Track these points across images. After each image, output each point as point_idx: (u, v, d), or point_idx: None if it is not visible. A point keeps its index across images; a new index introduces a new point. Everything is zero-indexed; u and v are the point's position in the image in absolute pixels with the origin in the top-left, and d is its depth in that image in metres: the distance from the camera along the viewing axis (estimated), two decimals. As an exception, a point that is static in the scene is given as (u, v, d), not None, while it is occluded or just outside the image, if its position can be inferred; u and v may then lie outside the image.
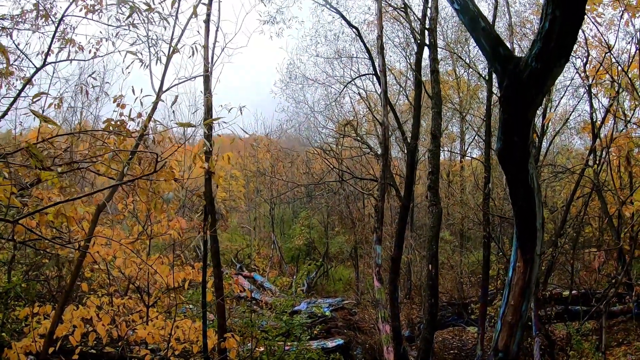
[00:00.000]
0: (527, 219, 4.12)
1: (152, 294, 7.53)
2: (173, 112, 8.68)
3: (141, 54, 7.00)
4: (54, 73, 9.14)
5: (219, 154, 6.47)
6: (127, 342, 7.53)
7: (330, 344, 15.09)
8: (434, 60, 11.77)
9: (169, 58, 6.15)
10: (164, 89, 6.08)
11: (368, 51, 15.30)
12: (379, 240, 12.66)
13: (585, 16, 13.64)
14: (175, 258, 8.11)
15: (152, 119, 5.53)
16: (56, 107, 8.80)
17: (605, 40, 13.69)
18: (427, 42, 11.91)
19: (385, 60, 22.03)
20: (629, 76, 13.97)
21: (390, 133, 23.95)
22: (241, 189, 40.86)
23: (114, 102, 7.05)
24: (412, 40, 15.52)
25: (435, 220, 11.63)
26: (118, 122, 6.60)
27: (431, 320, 11.63)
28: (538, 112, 18.71)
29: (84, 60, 7.03)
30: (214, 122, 6.04)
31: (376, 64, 13.69)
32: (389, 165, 20.28)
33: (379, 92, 17.28)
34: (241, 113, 5.78)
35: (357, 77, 20.00)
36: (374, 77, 16.12)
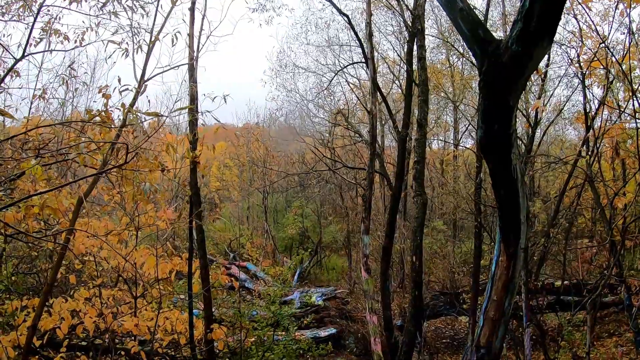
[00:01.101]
0: (510, 211, 3.96)
1: (139, 285, 7.43)
2: (148, 101, 8.53)
3: (127, 44, 6.89)
4: (42, 64, 9.01)
5: (203, 144, 6.39)
6: (115, 333, 7.47)
7: (323, 333, 15.11)
8: (420, 47, 11.60)
9: (150, 47, 6.01)
10: (147, 78, 5.95)
11: (358, 38, 15.14)
12: (367, 231, 12.56)
13: (580, 6, 13.60)
14: (163, 248, 8.03)
15: (135, 109, 5.38)
16: (40, 99, 8.69)
17: (599, 32, 13.64)
18: (420, 43, 11.76)
19: (379, 49, 22.03)
20: (623, 67, 13.94)
21: (383, 123, 23.96)
22: (235, 179, 40.76)
23: (99, 92, 6.93)
24: (405, 28, 15.37)
25: (420, 211, 11.45)
26: (102, 112, 6.49)
27: (415, 313, 11.47)
28: (532, 100, 18.79)
29: (65, 51, 6.90)
30: (199, 112, 5.94)
31: (366, 51, 13.54)
32: (377, 154, 20.24)
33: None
34: (225, 102, 5.68)
35: (348, 65, 19.86)
36: (365, 65, 16.01)
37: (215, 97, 5.66)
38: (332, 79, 19.23)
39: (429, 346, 15.11)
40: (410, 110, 12.88)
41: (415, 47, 12.11)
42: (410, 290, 11.90)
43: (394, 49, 21.22)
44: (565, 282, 14.43)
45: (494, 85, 3.29)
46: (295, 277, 23.66)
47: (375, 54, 21.51)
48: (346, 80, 22.15)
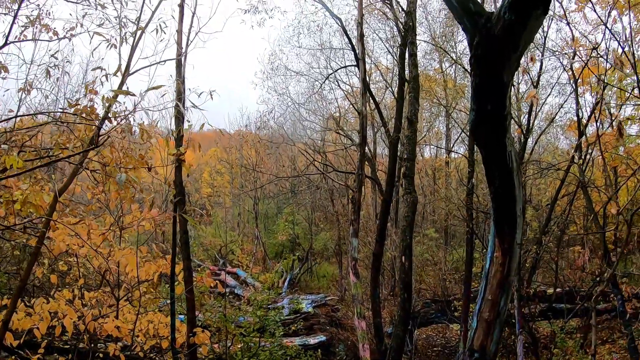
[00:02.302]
0: (505, 203, 3.70)
1: (121, 287, 7.22)
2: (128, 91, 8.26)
3: (116, 39, 6.71)
4: (33, 57, 8.80)
5: (192, 145, 6.20)
6: (95, 336, 7.24)
7: (312, 340, 14.87)
8: (411, 43, 11.40)
9: (135, 38, 5.83)
10: (132, 71, 5.76)
11: (350, 41, 15.04)
12: (356, 233, 12.26)
13: (573, 14, 13.59)
14: (149, 249, 7.83)
15: (112, 91, 5.17)
16: (26, 92, 8.47)
17: (590, 39, 13.70)
18: (410, 40, 11.57)
19: (372, 56, 21.99)
20: (616, 76, 13.98)
21: (375, 130, 23.88)
22: (226, 185, 40.58)
23: (85, 88, 6.74)
24: (397, 32, 15.30)
25: (410, 210, 11.09)
26: (87, 107, 6.30)
27: (404, 317, 11.04)
28: (524, 109, 18.79)
29: (49, 41, 6.70)
30: (185, 107, 5.76)
31: (357, 52, 13.38)
32: (368, 159, 20.12)
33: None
34: (212, 98, 5.51)
35: (340, 68, 19.74)
36: (357, 66, 15.89)
37: (201, 93, 5.50)
38: (324, 81, 19.13)
39: (420, 354, 14.93)
40: (402, 113, 12.75)
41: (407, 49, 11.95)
42: (399, 293, 11.46)
43: (388, 51, 21.09)
44: (558, 289, 14.32)
45: (486, 60, 3.03)
46: (285, 284, 23.46)
47: (368, 60, 21.54)
48: (339, 86, 22.05)
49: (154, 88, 4.65)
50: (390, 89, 22.47)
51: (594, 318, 9.32)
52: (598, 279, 13.51)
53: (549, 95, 19.63)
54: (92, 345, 7.50)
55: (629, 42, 11.21)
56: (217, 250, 29.37)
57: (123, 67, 5.65)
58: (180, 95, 6.43)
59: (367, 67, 21.72)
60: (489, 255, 4.06)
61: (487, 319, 3.89)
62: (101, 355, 6.99)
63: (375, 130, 23.79)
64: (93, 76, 5.59)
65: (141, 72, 5.60)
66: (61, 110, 5.48)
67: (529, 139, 17.78)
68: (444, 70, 22.95)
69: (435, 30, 20.08)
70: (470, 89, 3.25)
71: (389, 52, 18.89)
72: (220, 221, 35.62)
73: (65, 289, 8.30)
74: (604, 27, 12.12)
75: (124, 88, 5.31)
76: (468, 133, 14.55)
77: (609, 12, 12.52)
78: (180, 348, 7.05)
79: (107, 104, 4.89)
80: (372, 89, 18.25)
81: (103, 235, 7.94)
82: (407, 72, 12.16)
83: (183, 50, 6.75)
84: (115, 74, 5.93)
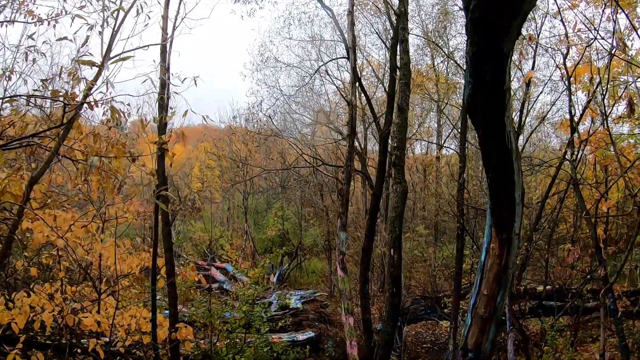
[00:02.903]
0: (503, 188, 3.39)
1: (103, 281, 7.00)
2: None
3: (101, 27, 6.47)
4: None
5: (173, 133, 6.00)
6: (74, 331, 7.03)
7: (301, 336, 14.73)
8: (403, 29, 11.13)
9: (118, 22, 5.61)
10: (113, 55, 5.53)
11: (340, 31, 14.83)
12: (343, 226, 12.00)
13: (567, 12, 13.49)
14: (132, 242, 7.61)
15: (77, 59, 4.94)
16: (7, 79, 8.21)
17: (583, 37, 13.62)
18: (402, 25, 11.32)
19: (364, 51, 21.80)
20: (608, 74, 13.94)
21: (366, 126, 23.69)
22: (216, 180, 40.29)
23: (68, 74, 6.50)
24: (389, 26, 15.08)
25: (400, 200, 10.78)
26: (67, 93, 6.07)
27: (393, 313, 10.73)
28: (516, 105, 18.76)
29: (27, 22, 6.44)
30: (170, 94, 5.54)
31: (348, 41, 13.11)
32: (358, 153, 19.91)
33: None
34: (195, 84, 5.29)
35: (330, 60, 19.53)
36: (347, 57, 15.65)
37: (184, 79, 5.28)
38: (314, 74, 18.91)
39: (409, 351, 14.81)
40: (392, 106, 12.54)
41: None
42: (388, 288, 11.13)
43: (380, 40, 20.84)
44: (548, 287, 14.25)
45: (484, 24, 2.70)
46: (275, 279, 23.30)
47: (360, 55, 21.36)
48: (330, 80, 21.82)
49: (122, 59, 4.42)
50: (382, 84, 22.29)
51: (602, 317, 9.20)
52: (589, 276, 13.46)
53: (540, 92, 19.59)
54: (72, 340, 7.28)
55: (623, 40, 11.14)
56: (206, 246, 29.14)
57: (104, 51, 5.42)
58: (164, 81, 6.21)
59: (359, 62, 21.55)
60: (485, 247, 3.76)
61: (483, 315, 3.66)
62: (79, 350, 6.76)
63: (367, 125, 23.60)
64: (70, 60, 5.34)
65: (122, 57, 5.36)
66: (39, 95, 5.22)
67: (520, 137, 17.73)
68: (435, 65, 22.82)
69: (427, 26, 19.91)
70: (466, 60, 2.92)
71: (381, 39, 18.53)
72: (209, 216, 35.37)
73: (49, 282, 8.08)
74: (597, 25, 12.05)
75: (104, 73, 5.08)
76: (459, 127, 14.41)
77: (603, 10, 12.45)
78: (162, 344, 6.84)
79: (85, 88, 4.65)
80: (364, 85, 18.03)
81: (85, 228, 7.72)
82: (398, 61, 11.95)
83: (168, 36, 6.52)
84: (93, 66, 5.71)
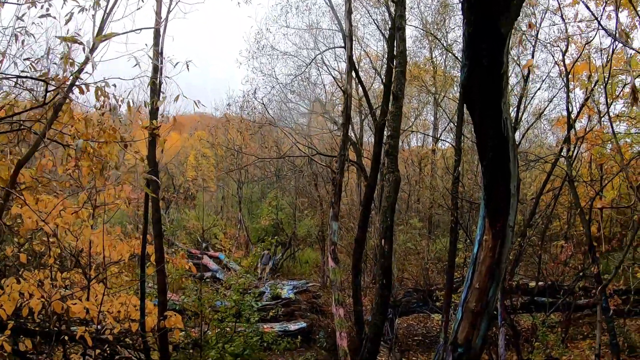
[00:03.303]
0: (498, 178, 3.22)
1: (92, 267, 6.92)
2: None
3: (93, 8, 6.33)
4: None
5: (168, 124, 5.90)
6: (63, 318, 6.95)
7: (293, 327, 14.74)
8: (400, 17, 10.89)
9: (110, 3, 5.47)
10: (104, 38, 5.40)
11: (338, 20, 14.65)
12: (336, 216, 11.80)
13: (567, 9, 13.42)
14: (122, 229, 7.53)
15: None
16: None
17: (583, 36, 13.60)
18: (399, 13, 11.08)
19: (362, 42, 21.63)
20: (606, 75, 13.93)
21: (362, 118, 23.58)
22: (211, 169, 40.18)
23: (60, 58, 6.38)
24: (388, 17, 14.92)
25: (392, 190, 10.45)
26: (57, 76, 5.95)
27: (382, 305, 10.37)
28: (514, 101, 18.71)
29: (18, 4, 6.28)
30: (162, 76, 5.43)
31: (345, 29, 12.88)
32: (352, 143, 19.79)
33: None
34: (187, 69, 5.18)
35: (327, 49, 19.32)
36: (343, 45, 15.44)
37: (177, 63, 5.18)
38: (310, 62, 18.72)
39: (401, 343, 14.83)
40: (389, 97, 12.40)
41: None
42: (378, 279, 10.78)
43: (378, 29, 20.64)
44: (540, 283, 14.26)
45: (480, 2, 2.55)
46: (268, 269, 23.28)
47: (358, 46, 21.21)
48: (328, 71, 21.66)
49: (104, 37, 4.31)
50: (379, 76, 22.16)
51: (598, 315, 9.18)
52: (581, 274, 13.48)
53: (538, 89, 19.55)
54: (60, 327, 7.19)
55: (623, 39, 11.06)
56: (200, 234, 29.10)
57: (95, 34, 5.30)
58: (157, 66, 6.10)
59: (357, 53, 21.40)
60: (478, 239, 3.61)
61: (474, 309, 3.53)
62: (66, 338, 6.68)
63: (363, 117, 23.49)
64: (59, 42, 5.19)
65: (115, 41, 5.23)
66: (25, 76, 5.10)
67: (516, 132, 17.70)
68: (433, 58, 22.71)
69: (426, 18, 19.77)
70: (463, 41, 2.76)
71: (379, 29, 18.31)
72: (204, 205, 35.29)
73: (41, 269, 7.99)
74: (597, 23, 11.98)
75: (94, 56, 4.95)
76: (456, 120, 14.31)
77: (604, 8, 12.38)
78: (151, 332, 6.77)
79: (75, 71, 4.54)
80: (361, 77, 17.88)
81: (76, 214, 7.62)
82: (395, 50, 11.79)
83: (162, 20, 6.40)
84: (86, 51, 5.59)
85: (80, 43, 3.80)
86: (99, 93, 4.53)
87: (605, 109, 15.89)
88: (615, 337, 10.37)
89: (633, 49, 7.88)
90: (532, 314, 13.56)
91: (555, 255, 16.50)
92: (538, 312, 13.67)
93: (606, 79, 8.68)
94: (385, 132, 10.96)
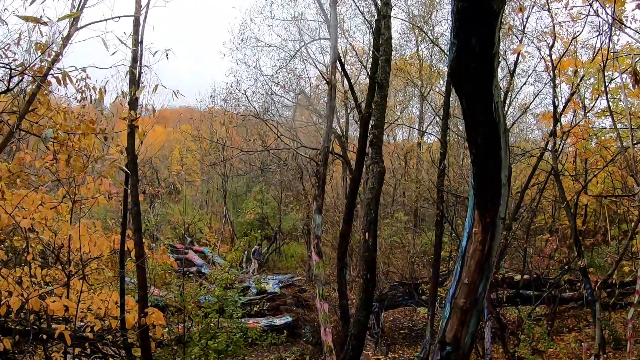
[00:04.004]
0: (488, 166, 3.02)
1: (71, 263, 6.74)
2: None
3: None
4: None
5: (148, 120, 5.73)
6: (41, 316, 6.77)
7: (278, 321, 14.64)
8: (386, 4, 10.68)
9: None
10: (81, 25, 5.23)
11: (322, 9, 14.45)
12: (319, 210, 11.54)
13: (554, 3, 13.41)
14: (103, 223, 7.34)
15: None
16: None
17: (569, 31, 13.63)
18: (385, 0, 10.87)
19: (347, 35, 21.47)
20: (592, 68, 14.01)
21: (348, 112, 23.47)
22: (196, 163, 39.88)
23: (36, 49, 6.17)
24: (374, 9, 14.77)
25: (376, 181, 10.14)
26: (34, 66, 5.75)
27: (366, 300, 10.00)
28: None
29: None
30: (142, 68, 5.27)
31: (329, 17, 12.63)
32: (337, 136, 19.68)
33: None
34: (167, 58, 5.02)
35: (312, 40, 19.15)
36: (328, 33, 15.18)
37: (156, 52, 5.02)
38: (295, 54, 18.54)
39: (387, 337, 14.80)
40: (374, 89, 12.26)
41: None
42: (362, 273, 10.38)
43: (367, 29, 20.52)
44: (525, 276, 14.30)
45: None
46: (252, 263, 23.18)
47: (344, 40, 21.06)
48: (314, 64, 21.48)
49: (69, 16, 4.14)
50: (365, 69, 22.06)
51: (597, 311, 9.13)
52: (567, 267, 13.53)
53: (524, 84, 19.62)
54: (41, 325, 7.02)
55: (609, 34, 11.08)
56: (185, 229, 28.87)
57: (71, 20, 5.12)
58: (136, 55, 5.91)
59: (343, 47, 21.25)
60: (467, 231, 3.44)
61: (463, 306, 3.36)
62: (45, 336, 6.50)
63: (348, 111, 23.39)
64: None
65: (93, 29, 5.07)
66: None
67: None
68: (419, 52, 22.67)
69: (413, 11, 19.69)
70: (451, 18, 2.55)
71: (365, 19, 18.10)
72: (189, 199, 35.02)
73: (20, 266, 7.79)
74: (584, 18, 11.96)
75: (71, 42, 4.77)
76: (442, 114, 14.25)
77: (591, 4, 12.40)
78: (133, 329, 6.61)
79: (49, 60, 4.36)
80: (347, 71, 17.71)
81: (55, 209, 7.43)
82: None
83: (142, 7, 6.20)
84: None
85: (44, 23, 3.63)
86: (67, 79, 4.32)
87: (590, 104, 16.05)
88: (601, 330, 10.40)
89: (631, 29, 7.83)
90: (517, 307, 13.59)
91: (540, 248, 16.57)
92: (524, 305, 13.70)
93: (605, 62, 8.55)
94: (370, 122, 10.72)
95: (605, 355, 10.06)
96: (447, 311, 3.53)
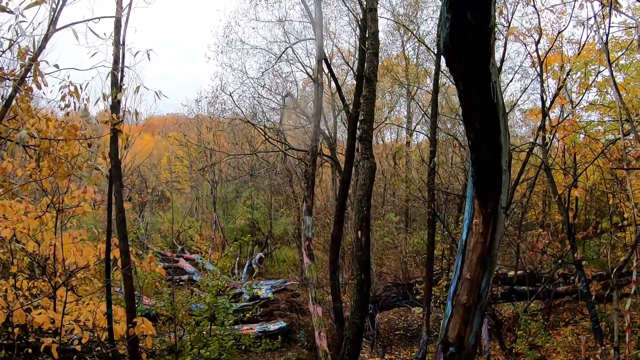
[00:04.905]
0: (487, 152, 2.83)
1: (57, 274, 6.54)
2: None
3: None
4: None
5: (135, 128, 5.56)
6: (27, 329, 6.57)
7: (272, 326, 14.45)
8: None
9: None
10: (60, 26, 5.06)
11: (307, 10, 14.28)
12: (309, 211, 11.37)
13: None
14: (88, 232, 7.16)
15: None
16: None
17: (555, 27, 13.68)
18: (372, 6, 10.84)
19: (333, 37, 21.40)
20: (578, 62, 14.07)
21: (336, 114, 23.36)
22: (185, 170, 39.63)
23: (18, 55, 5.99)
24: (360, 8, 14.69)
25: (367, 177, 9.94)
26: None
27: (361, 301, 9.72)
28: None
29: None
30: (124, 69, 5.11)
31: (314, 16, 12.48)
32: (326, 137, 19.54)
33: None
34: (149, 59, 4.87)
35: (297, 41, 19.01)
36: (313, 31, 15.00)
37: (137, 53, 4.87)
38: (281, 55, 18.38)
39: (382, 338, 14.67)
40: (362, 88, 12.13)
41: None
42: (356, 274, 10.09)
43: (352, 30, 20.43)
44: (519, 271, 14.27)
45: None
46: (245, 269, 22.97)
47: (330, 43, 20.98)
48: (301, 68, 21.34)
49: (34, 4, 3.97)
50: (352, 71, 22.01)
51: (615, 302, 9.03)
52: (560, 261, 13.51)
53: (511, 80, 19.69)
54: (28, 339, 6.81)
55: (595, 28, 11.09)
56: (175, 237, 28.59)
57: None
58: (117, 58, 5.75)
59: (329, 50, 21.16)
60: (467, 224, 3.24)
61: (465, 303, 3.16)
62: (30, 350, 6.30)
63: (336, 113, 23.30)
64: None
65: (71, 29, 4.89)
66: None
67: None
68: (405, 52, 22.66)
69: (398, 10, 19.67)
70: None
71: (350, 11, 17.91)
72: (178, 207, 34.73)
73: (9, 279, 7.58)
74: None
75: (49, 44, 4.60)
76: (430, 113, 14.17)
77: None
78: (121, 340, 6.43)
79: (26, 62, 4.19)
80: (333, 72, 17.60)
81: (40, 219, 7.23)
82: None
83: (124, 9, 6.03)
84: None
85: (10, 12, 3.44)
86: (37, 75, 4.16)
87: (577, 99, 16.11)
88: (597, 322, 10.37)
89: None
90: (512, 303, 13.54)
91: (532, 244, 16.56)
92: (519, 300, 13.67)
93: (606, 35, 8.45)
94: (359, 117, 10.54)
95: (603, 347, 10.00)
96: (448, 309, 3.35)
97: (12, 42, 4.50)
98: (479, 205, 3.12)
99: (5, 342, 8.17)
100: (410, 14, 19.14)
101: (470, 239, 3.21)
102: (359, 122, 10.32)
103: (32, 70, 4.72)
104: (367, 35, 10.65)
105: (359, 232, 9.83)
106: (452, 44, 2.46)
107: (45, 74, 4.66)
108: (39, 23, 5.75)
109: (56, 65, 4.47)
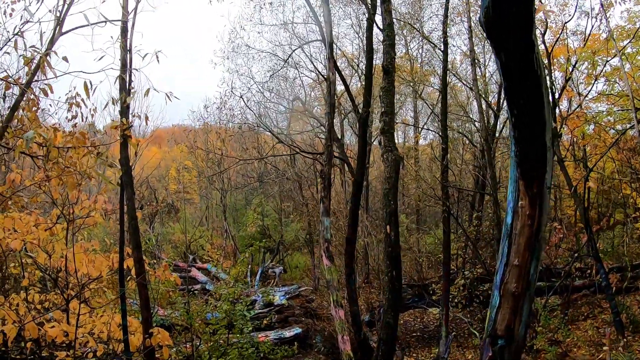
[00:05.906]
0: (532, 128, 2.62)
1: (69, 286, 6.40)
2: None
3: None
4: None
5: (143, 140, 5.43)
6: (39, 343, 6.44)
7: (288, 333, 14.31)
8: None
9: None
10: (65, 30, 4.94)
11: (313, 11, 14.18)
12: (327, 212, 11.14)
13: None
14: (101, 243, 7.03)
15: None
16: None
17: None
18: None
19: (337, 41, 21.26)
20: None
21: (342, 117, 23.19)
22: (194, 180, 39.61)
23: (24, 63, 5.88)
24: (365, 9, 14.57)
25: (392, 170, 9.58)
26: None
27: (393, 300, 9.35)
28: (494, 88, 18.47)
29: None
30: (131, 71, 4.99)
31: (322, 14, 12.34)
32: (336, 138, 19.36)
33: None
34: (158, 61, 4.74)
35: (304, 43, 18.87)
36: (319, 29, 14.84)
37: (145, 55, 4.74)
38: (288, 58, 18.27)
39: (400, 340, 14.46)
40: (371, 88, 11.95)
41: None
42: (386, 270, 9.68)
43: (355, 34, 20.32)
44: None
45: None
46: (257, 277, 22.83)
47: (334, 46, 20.81)
48: (309, 69, 21.20)
49: None
50: (357, 73, 21.87)
51: None
52: (576, 254, 13.28)
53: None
54: (40, 353, 6.68)
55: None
56: (186, 247, 28.49)
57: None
58: (125, 63, 5.62)
59: (333, 53, 20.98)
60: (511, 207, 3.02)
61: (515, 292, 2.96)
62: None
63: (342, 117, 23.13)
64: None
65: (79, 33, 4.77)
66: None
67: (499, 119, 17.59)
68: (409, 51, 22.50)
69: (401, 8, 19.51)
70: None
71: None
72: (188, 217, 34.67)
73: (17, 293, 7.47)
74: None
75: (56, 48, 4.49)
76: (438, 110, 14.01)
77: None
78: (137, 351, 6.27)
79: (31, 69, 4.07)
80: (342, 73, 17.47)
81: (50, 230, 7.10)
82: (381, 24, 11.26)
83: (130, 12, 5.90)
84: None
85: None
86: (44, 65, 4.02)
87: (585, 90, 15.93)
88: (618, 315, 10.17)
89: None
90: (531, 298, 13.31)
91: (546, 238, 16.34)
92: (536, 296, 13.44)
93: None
94: (380, 109, 10.20)
95: (625, 340, 9.80)
96: (495, 300, 3.11)
97: (20, 31, 4.39)
98: (524, 187, 2.92)
99: (18, 357, 8.05)
100: (414, 13, 18.98)
101: (517, 223, 3.01)
102: (380, 115, 10.02)
103: (39, 66, 4.59)
104: (382, 28, 10.43)
105: (388, 227, 9.51)
106: (494, 14, 2.32)
107: (59, 75, 4.53)
108: (43, 33, 5.67)
109: (64, 58, 4.34)
